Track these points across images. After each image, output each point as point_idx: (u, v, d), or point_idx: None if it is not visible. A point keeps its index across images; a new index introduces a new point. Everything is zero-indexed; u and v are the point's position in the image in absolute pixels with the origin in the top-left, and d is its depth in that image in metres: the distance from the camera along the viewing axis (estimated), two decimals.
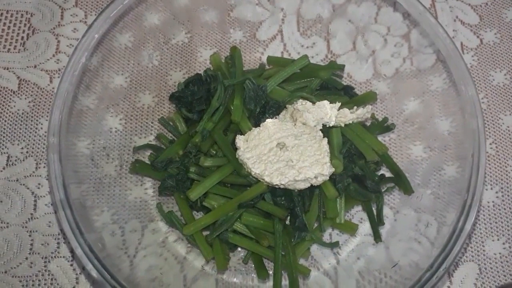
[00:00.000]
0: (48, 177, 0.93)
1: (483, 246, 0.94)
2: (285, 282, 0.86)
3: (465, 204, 0.74)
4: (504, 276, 0.92)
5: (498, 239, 0.94)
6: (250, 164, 0.82)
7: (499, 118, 1.03)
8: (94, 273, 0.71)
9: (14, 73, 1.02)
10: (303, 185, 0.82)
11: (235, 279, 0.89)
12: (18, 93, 1.00)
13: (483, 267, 0.92)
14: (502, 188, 0.97)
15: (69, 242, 0.73)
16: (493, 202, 0.96)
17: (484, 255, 0.93)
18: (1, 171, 0.95)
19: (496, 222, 0.95)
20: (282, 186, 0.82)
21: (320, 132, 0.86)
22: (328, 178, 0.83)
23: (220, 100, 0.89)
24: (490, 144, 1.01)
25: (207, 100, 0.91)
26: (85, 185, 0.84)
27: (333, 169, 0.83)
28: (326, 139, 0.85)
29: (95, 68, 0.87)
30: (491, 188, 0.97)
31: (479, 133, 0.77)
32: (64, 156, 0.76)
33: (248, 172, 0.83)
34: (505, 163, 0.99)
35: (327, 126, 0.87)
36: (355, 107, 0.90)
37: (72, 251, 0.90)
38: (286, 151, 0.83)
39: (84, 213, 0.77)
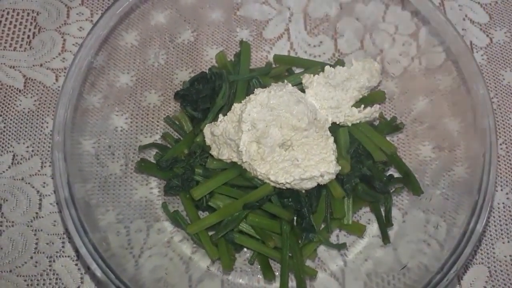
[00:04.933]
0: (53, 175, 0.93)
1: (493, 248, 0.92)
2: (291, 283, 0.85)
3: (476, 205, 0.73)
4: None
5: (508, 241, 0.92)
6: (255, 165, 0.81)
7: (510, 118, 1.01)
8: (98, 273, 0.70)
9: (20, 72, 1.02)
10: (309, 184, 0.81)
11: (240, 280, 0.88)
12: (24, 92, 1.00)
13: (493, 270, 0.91)
14: None
15: (74, 241, 0.72)
16: (503, 203, 0.95)
17: (494, 257, 0.91)
18: (7, 169, 0.95)
19: (506, 224, 0.94)
20: (288, 186, 0.81)
21: (328, 131, 0.85)
22: (334, 176, 0.82)
23: (225, 98, 0.88)
24: (501, 144, 0.99)
25: (212, 98, 0.90)
26: (90, 184, 0.83)
27: (339, 168, 0.82)
28: (332, 138, 0.84)
29: (101, 66, 0.86)
30: (501, 189, 0.96)
31: (490, 132, 0.76)
32: (69, 154, 0.76)
33: (254, 175, 0.83)
34: None
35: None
36: (363, 106, 0.89)
37: (77, 250, 0.89)
38: (292, 150, 0.82)
39: (89, 212, 0.77)
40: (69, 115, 0.77)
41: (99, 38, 0.81)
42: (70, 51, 1.04)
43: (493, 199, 0.85)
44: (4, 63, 1.02)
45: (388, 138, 0.93)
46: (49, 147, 0.96)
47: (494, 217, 0.94)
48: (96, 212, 0.80)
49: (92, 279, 0.88)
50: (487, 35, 1.08)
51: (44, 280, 0.88)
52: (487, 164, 0.74)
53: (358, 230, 0.88)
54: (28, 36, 1.04)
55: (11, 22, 1.05)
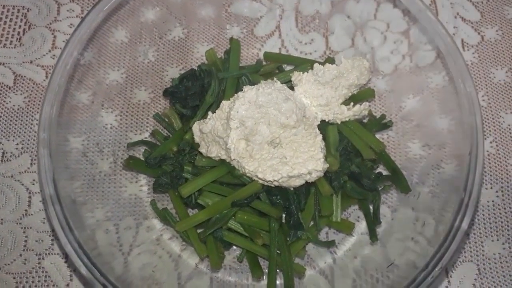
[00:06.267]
0: (38, 172, 0.93)
1: (482, 246, 0.92)
2: (280, 281, 0.85)
3: (462, 203, 0.73)
4: (504, 277, 0.90)
5: (497, 239, 0.93)
6: (244, 163, 0.81)
7: (500, 116, 1.01)
8: (83, 271, 0.70)
9: (10, 69, 1.01)
10: (297, 182, 0.81)
11: (229, 278, 0.88)
12: (14, 89, 1.00)
13: (482, 268, 0.91)
14: (502, 187, 0.96)
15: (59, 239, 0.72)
16: (493, 201, 0.95)
17: (483, 255, 0.92)
18: None
19: (495, 222, 0.94)
20: (276, 183, 0.81)
21: (317, 129, 0.85)
22: (322, 174, 0.82)
23: (214, 95, 0.88)
24: (491, 142, 0.99)
25: (201, 96, 0.90)
26: (79, 182, 0.83)
27: (328, 165, 0.82)
28: (320, 135, 0.84)
29: (89, 63, 0.86)
30: (491, 187, 0.96)
31: (477, 131, 0.76)
32: (55, 151, 0.75)
33: (242, 172, 0.82)
34: (505, 162, 0.98)
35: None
36: (352, 104, 0.89)
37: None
38: (280, 148, 0.82)
39: (75, 209, 0.77)
40: (55, 112, 0.77)
41: (86, 34, 0.81)
42: (61, 48, 1.03)
43: (479, 197, 0.85)
44: None
45: (377, 136, 0.93)
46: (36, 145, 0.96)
47: (483, 215, 0.94)
48: (84, 209, 0.80)
49: (81, 276, 0.88)
50: (479, 33, 1.07)
51: (33, 277, 0.88)
52: (473, 162, 0.74)
53: (347, 228, 0.88)
54: (18, 33, 1.04)
55: (1, 19, 1.05)
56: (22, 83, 1.00)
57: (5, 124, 0.97)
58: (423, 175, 0.87)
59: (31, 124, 0.98)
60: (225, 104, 0.84)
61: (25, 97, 0.99)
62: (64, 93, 0.78)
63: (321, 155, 0.82)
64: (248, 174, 0.82)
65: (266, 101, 0.82)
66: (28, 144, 0.96)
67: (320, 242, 0.88)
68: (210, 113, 0.86)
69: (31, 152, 0.96)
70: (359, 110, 0.89)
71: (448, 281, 0.90)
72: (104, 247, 0.81)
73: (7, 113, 0.98)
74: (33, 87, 1.00)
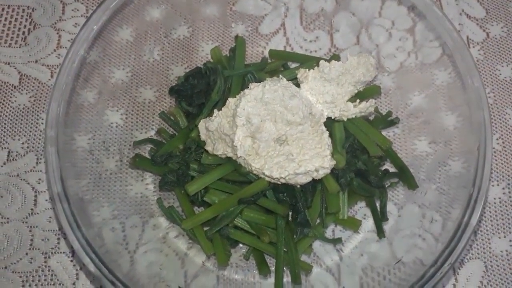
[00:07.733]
0: (46, 170, 0.93)
1: (489, 243, 0.92)
2: (287, 278, 0.85)
3: (470, 198, 0.73)
4: (511, 274, 0.90)
5: (504, 236, 0.92)
6: (250, 160, 0.81)
7: (506, 113, 1.01)
8: (91, 268, 0.70)
9: (15, 68, 1.01)
10: (304, 179, 0.81)
11: (236, 276, 0.88)
12: (19, 88, 1.00)
13: (489, 265, 0.90)
14: (509, 184, 0.95)
15: (67, 236, 0.72)
16: (499, 198, 0.95)
17: (490, 252, 0.91)
18: (2, 166, 0.94)
19: (502, 219, 0.93)
20: (282, 180, 0.81)
21: (323, 126, 0.85)
22: (329, 171, 0.82)
23: (220, 93, 0.88)
24: (497, 139, 0.99)
25: (207, 94, 0.90)
26: (85, 180, 0.83)
27: (334, 162, 0.82)
28: (327, 132, 0.84)
29: (95, 61, 0.86)
30: (498, 184, 0.95)
31: (485, 126, 0.76)
32: (62, 149, 0.75)
33: (249, 170, 0.82)
34: None
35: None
36: (358, 101, 0.89)
37: (72, 246, 0.88)
38: (287, 145, 0.82)
39: (83, 207, 0.76)
40: (62, 110, 0.77)
41: (93, 32, 0.81)
42: (66, 48, 1.03)
43: (488, 192, 0.85)
44: None
45: (383, 133, 0.93)
46: (44, 143, 0.96)
47: (490, 212, 0.94)
48: (90, 208, 0.79)
49: (87, 275, 0.88)
50: (484, 30, 1.07)
51: (39, 276, 0.88)
52: (482, 157, 0.74)
53: (354, 225, 0.88)
54: (24, 33, 1.04)
55: (6, 19, 1.05)
56: (28, 83, 1.01)
57: (10, 124, 0.98)
58: (430, 172, 0.87)
59: (37, 123, 0.98)
60: (231, 101, 0.84)
61: (30, 97, 1.00)
62: (71, 91, 0.78)
63: (328, 152, 0.81)
64: (254, 172, 0.82)
65: (272, 98, 0.82)
66: (33, 143, 0.96)
67: (327, 239, 0.88)
68: (216, 110, 0.86)
69: (37, 151, 0.96)
70: (365, 107, 0.88)
71: (455, 279, 0.89)
72: (110, 245, 0.80)
73: (12, 112, 0.98)
74: (38, 87, 1.00)
